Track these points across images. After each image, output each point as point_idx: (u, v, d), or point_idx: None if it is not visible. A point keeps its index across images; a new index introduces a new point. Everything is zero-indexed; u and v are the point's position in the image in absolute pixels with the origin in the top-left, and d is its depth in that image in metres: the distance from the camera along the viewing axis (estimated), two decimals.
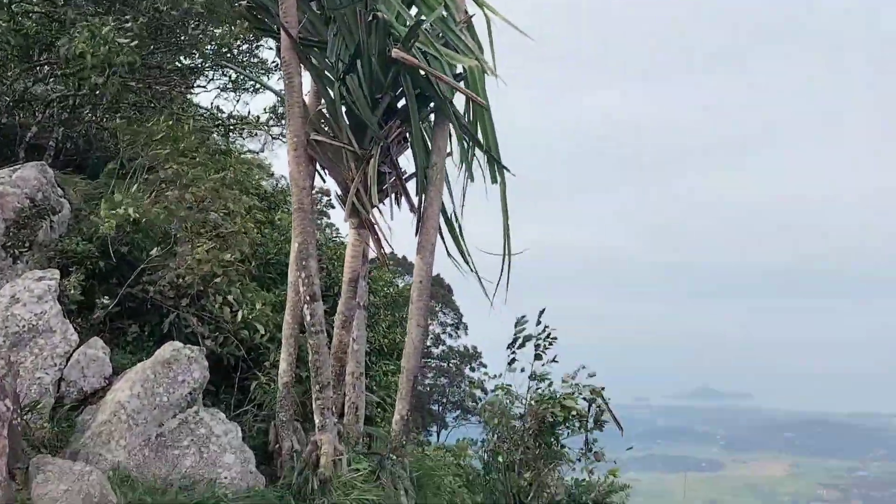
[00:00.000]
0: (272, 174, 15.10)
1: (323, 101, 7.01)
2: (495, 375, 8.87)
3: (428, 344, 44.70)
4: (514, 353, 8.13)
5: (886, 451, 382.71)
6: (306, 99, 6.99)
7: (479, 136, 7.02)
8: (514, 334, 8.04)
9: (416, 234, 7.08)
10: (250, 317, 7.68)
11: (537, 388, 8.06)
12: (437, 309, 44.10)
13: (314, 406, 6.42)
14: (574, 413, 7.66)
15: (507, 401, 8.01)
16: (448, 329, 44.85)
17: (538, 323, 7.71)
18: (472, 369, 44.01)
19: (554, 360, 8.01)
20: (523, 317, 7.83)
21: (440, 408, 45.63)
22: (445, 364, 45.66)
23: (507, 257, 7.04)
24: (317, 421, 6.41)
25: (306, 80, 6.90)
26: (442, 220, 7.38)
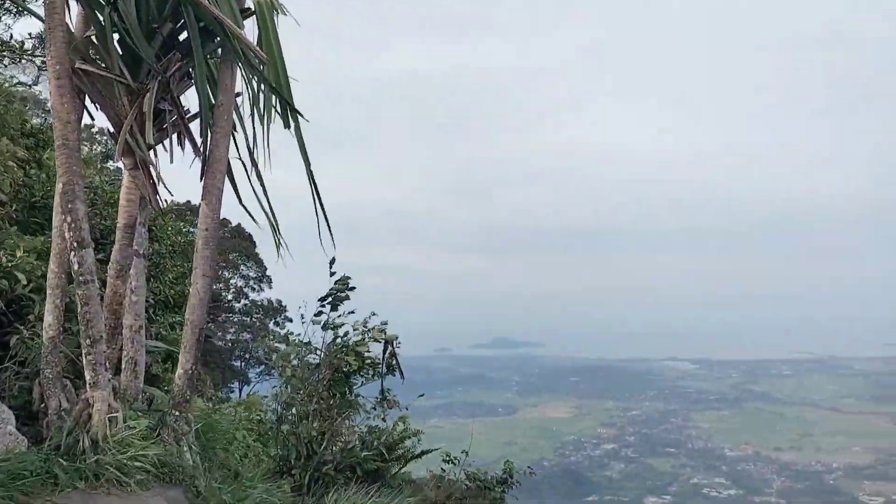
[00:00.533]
0: (48, 109, 13.64)
1: (92, 27, 6.31)
2: (298, 334, 8.74)
3: (229, 298, 42.99)
4: (323, 307, 8.02)
5: (656, 392, 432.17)
6: (74, 23, 6.26)
7: (271, 77, 6.69)
8: (330, 290, 7.91)
9: (201, 179, 6.66)
10: (10, 265, 7.00)
11: (333, 339, 8.00)
12: (238, 262, 42.40)
13: (85, 362, 5.89)
14: (368, 361, 7.72)
15: (302, 352, 7.89)
16: (251, 283, 43.37)
17: (331, 273, 7.61)
18: (277, 324, 43.11)
19: (351, 312, 7.99)
20: (347, 277, 7.72)
21: (243, 364, 44.35)
22: (248, 319, 44.28)
23: (318, 206, 6.85)
24: (88, 377, 5.90)
25: (74, 3, 6.18)
26: (243, 168, 7.02)
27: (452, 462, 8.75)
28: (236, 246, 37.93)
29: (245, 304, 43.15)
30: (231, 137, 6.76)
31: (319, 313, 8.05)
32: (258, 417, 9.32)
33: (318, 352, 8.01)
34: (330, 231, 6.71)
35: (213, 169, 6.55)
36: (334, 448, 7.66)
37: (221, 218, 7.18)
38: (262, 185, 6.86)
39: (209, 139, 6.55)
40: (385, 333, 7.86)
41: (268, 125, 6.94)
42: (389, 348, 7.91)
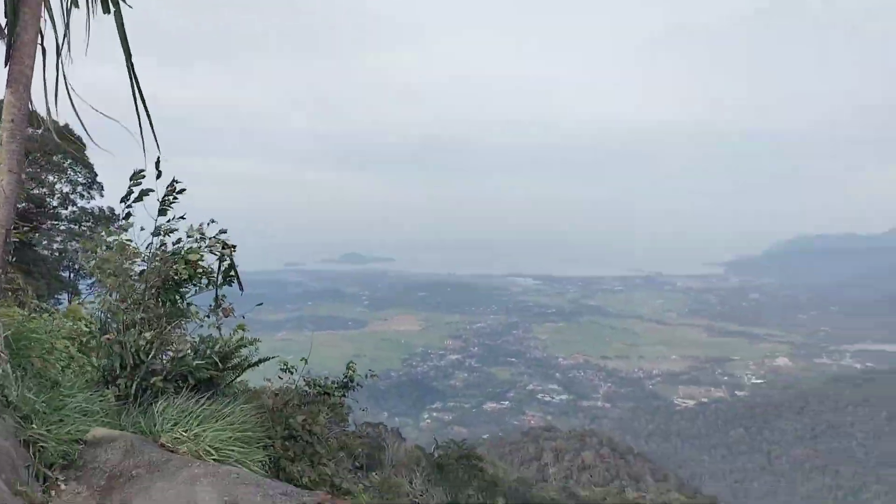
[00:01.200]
0: None
1: None
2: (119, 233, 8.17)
3: (54, 204, 39.62)
4: (129, 207, 7.49)
5: (499, 306, 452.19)
6: None
7: None
8: (129, 188, 7.39)
9: (5, 64, 5.96)
10: None
11: (161, 245, 7.60)
12: (65, 165, 38.97)
13: None
14: (201, 270, 7.42)
15: (123, 258, 7.44)
16: (79, 189, 40.12)
17: (158, 176, 7.14)
18: (110, 234, 40.26)
19: (181, 217, 7.58)
20: (141, 171, 7.19)
21: (72, 275, 41.44)
22: (77, 227, 41.16)
23: (139, 103, 6.32)
24: None
25: None
26: (55, 60, 6.32)
27: (291, 371, 8.75)
28: (61, 147, 34.76)
29: (73, 212, 40.05)
30: (40, 19, 6.07)
31: (128, 215, 7.58)
32: (87, 329, 8.81)
33: (145, 258, 7.59)
34: (154, 133, 6.27)
35: (21, 53, 5.88)
36: (163, 357, 7.42)
37: (33, 111, 6.51)
38: (64, 78, 6.24)
39: (15, 21, 5.83)
40: (225, 245, 7.56)
41: (89, 9, 6.30)
42: (227, 258, 7.63)
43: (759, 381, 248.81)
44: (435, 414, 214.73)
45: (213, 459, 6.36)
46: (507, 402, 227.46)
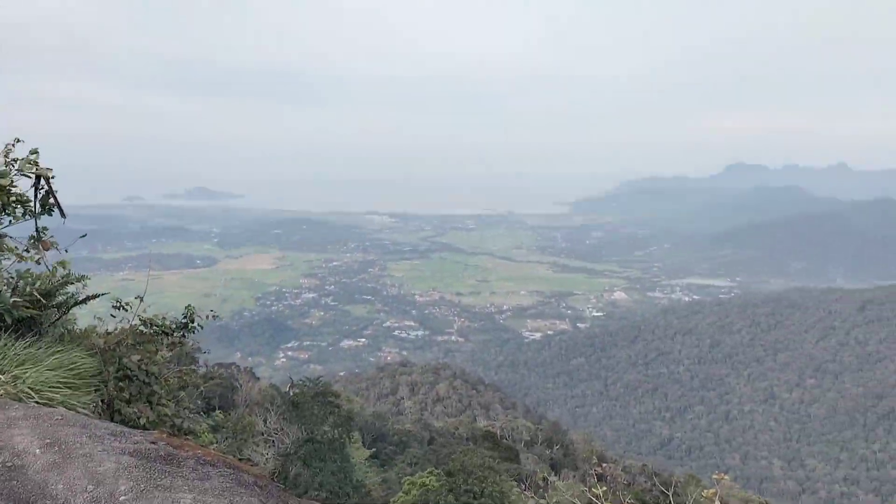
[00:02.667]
0: None
1: None
2: None
3: None
4: None
5: (356, 244, 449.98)
6: None
7: None
8: None
9: None
10: None
11: None
12: None
13: None
14: (14, 198, 6.66)
15: None
16: None
17: None
18: None
19: None
20: None
21: None
22: None
23: None
24: None
25: None
26: None
27: (124, 308, 8.19)
28: None
29: None
30: None
31: None
32: None
33: None
34: None
35: None
36: None
37: None
38: None
39: None
40: (38, 166, 6.78)
41: None
42: (44, 184, 6.87)
43: (598, 313, 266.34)
44: (290, 353, 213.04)
45: (35, 402, 5.89)
46: (363, 340, 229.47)
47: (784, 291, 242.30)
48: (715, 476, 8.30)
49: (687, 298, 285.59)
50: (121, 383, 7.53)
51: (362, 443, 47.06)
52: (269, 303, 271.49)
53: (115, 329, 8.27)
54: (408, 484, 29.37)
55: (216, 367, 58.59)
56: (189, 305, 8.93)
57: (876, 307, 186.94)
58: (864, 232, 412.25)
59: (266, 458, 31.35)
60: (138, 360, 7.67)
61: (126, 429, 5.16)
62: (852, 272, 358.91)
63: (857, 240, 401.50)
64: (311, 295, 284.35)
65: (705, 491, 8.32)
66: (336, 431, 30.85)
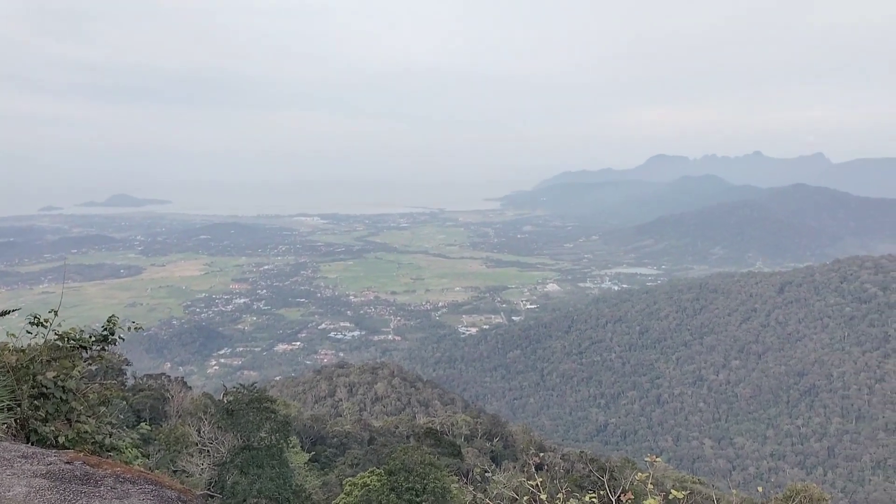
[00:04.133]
0: None
1: None
2: None
3: None
4: None
5: (287, 246, 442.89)
6: None
7: None
8: None
9: None
10: None
11: None
12: None
13: None
14: None
15: None
16: None
17: None
18: None
19: None
20: None
21: None
22: None
23: None
24: None
25: None
26: None
27: (42, 324, 7.75)
28: None
29: None
30: None
31: None
32: None
33: None
34: None
35: None
36: None
37: None
38: None
39: None
40: None
41: None
42: None
43: (532, 306, 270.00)
44: (223, 360, 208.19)
45: None
46: (298, 343, 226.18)
47: (707, 277, 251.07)
48: (648, 458, 8.46)
49: (616, 287, 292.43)
50: (36, 401, 7.13)
51: (301, 447, 46.36)
52: (198, 310, 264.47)
53: (29, 345, 7.84)
54: (349, 485, 29.08)
55: (145, 379, 56.70)
56: (112, 317, 8.56)
57: (794, 288, 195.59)
58: (780, 218, 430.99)
59: (202, 469, 30.50)
60: (54, 377, 7.27)
61: (39, 450, 4.87)
62: (770, 256, 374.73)
63: (774, 225, 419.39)
64: (242, 300, 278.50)
65: (639, 474, 8.48)
66: (273, 437, 30.28)
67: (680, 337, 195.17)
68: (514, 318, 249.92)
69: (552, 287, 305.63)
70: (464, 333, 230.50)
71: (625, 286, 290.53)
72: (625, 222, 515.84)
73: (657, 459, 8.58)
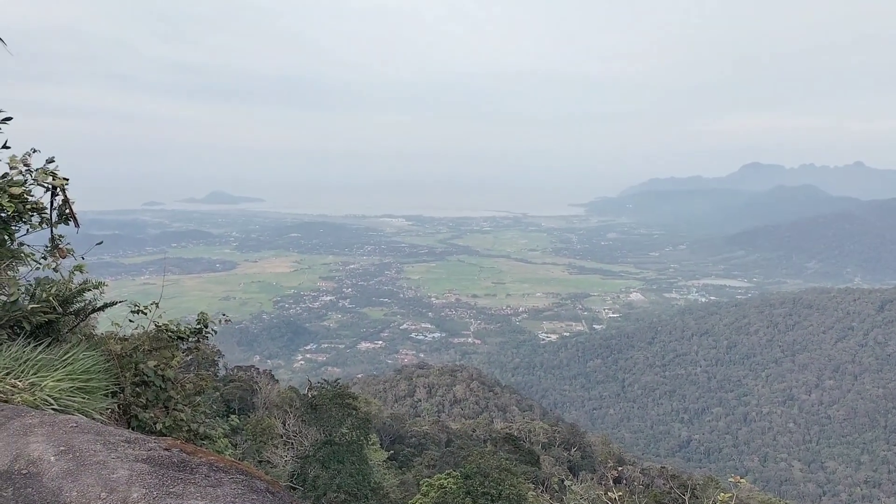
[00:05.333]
0: None
1: None
2: None
3: None
4: None
5: (373, 247, 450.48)
6: None
7: None
8: None
9: None
10: None
11: None
12: None
13: None
14: (30, 206, 6.67)
15: None
16: None
17: None
18: None
19: (5, 146, 6.73)
20: None
21: None
22: None
23: None
24: None
25: None
26: None
27: (143, 313, 8.19)
28: None
29: None
30: None
31: None
32: None
33: None
34: None
35: None
36: None
37: None
38: None
39: None
40: (54, 176, 6.79)
41: None
42: (60, 193, 6.88)
43: (615, 315, 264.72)
44: (309, 355, 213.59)
45: (53, 409, 5.88)
46: (380, 342, 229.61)
47: (801, 292, 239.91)
48: (732, 479, 8.18)
49: (703, 299, 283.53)
50: (137, 389, 7.53)
51: (380, 445, 47.10)
52: (287, 306, 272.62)
53: (133, 334, 8.29)
54: (426, 486, 29.28)
55: (235, 370, 58.85)
56: (202, 313, 8.96)
57: (895, 307, 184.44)
58: (881, 232, 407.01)
59: (285, 461, 31.42)
60: (155, 366, 7.67)
61: (140, 435, 5.13)
62: (870, 272, 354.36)
63: (875, 240, 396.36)
64: (328, 298, 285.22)
65: (722, 494, 8.21)
66: (354, 433, 30.87)
67: (770, 353, 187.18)
68: (595, 326, 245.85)
69: (636, 296, 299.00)
70: (544, 340, 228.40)
71: (712, 298, 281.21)
72: (714, 232, 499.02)
73: (742, 480, 8.28)
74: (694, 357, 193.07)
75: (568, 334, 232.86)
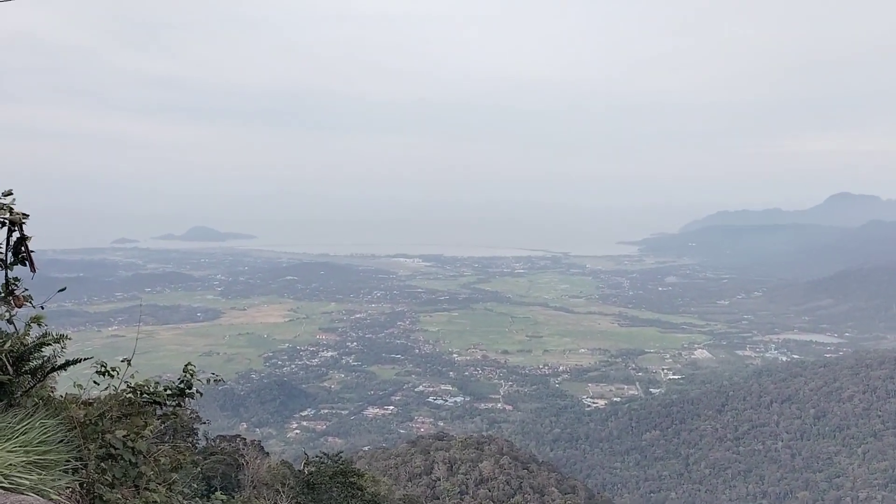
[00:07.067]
0: None
1: None
2: None
3: None
4: None
5: (383, 292, 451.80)
6: None
7: None
8: None
9: None
10: None
11: None
12: None
13: None
14: None
15: None
16: None
17: None
18: None
19: None
20: None
21: None
22: None
23: None
24: None
25: None
26: None
27: (110, 373, 8.21)
28: None
29: None
30: None
31: None
32: None
33: None
34: None
35: None
36: None
37: None
38: None
39: None
40: (11, 211, 6.89)
41: None
42: (17, 230, 6.96)
43: (675, 376, 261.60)
44: (305, 423, 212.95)
45: (2, 488, 5.89)
46: (392, 407, 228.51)
47: None
48: None
49: (784, 358, 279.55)
50: (103, 463, 7.53)
51: None
52: (280, 363, 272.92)
53: (99, 397, 8.30)
54: None
55: (218, 441, 58.71)
56: (188, 365, 8.96)
57: None
58: None
59: None
60: (124, 436, 7.67)
61: None
62: None
63: None
64: (330, 353, 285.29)
65: None
66: None
67: (868, 425, 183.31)
68: (652, 390, 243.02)
69: (701, 354, 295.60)
70: (589, 406, 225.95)
71: (795, 357, 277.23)
72: (797, 276, 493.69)
73: None
74: (774, 429, 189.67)
75: (619, 399, 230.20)
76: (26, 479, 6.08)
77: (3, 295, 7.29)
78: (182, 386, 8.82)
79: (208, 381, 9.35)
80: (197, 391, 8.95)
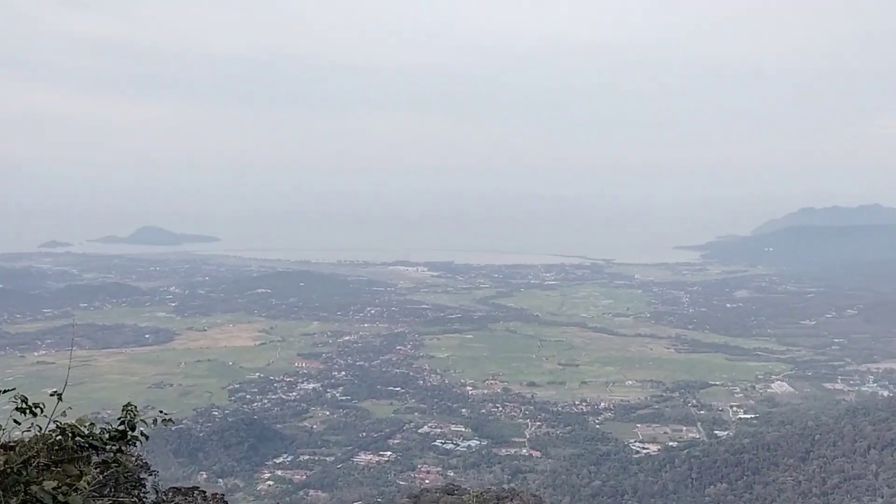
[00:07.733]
0: None
1: None
2: None
3: None
4: None
5: (378, 309, 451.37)
6: None
7: None
8: None
9: None
10: None
11: None
12: None
13: None
14: None
15: None
16: None
17: None
18: None
19: None
20: None
21: None
22: None
23: None
24: None
25: None
26: None
27: (32, 411, 8.19)
28: None
29: None
30: None
31: None
32: None
33: None
34: None
35: None
36: None
37: None
38: None
39: None
40: None
41: None
42: None
43: (747, 415, 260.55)
44: (280, 472, 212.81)
45: None
46: (389, 452, 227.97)
47: None
48: None
49: (886, 393, 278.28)
50: None
51: None
52: (249, 397, 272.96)
53: (22, 440, 8.29)
54: None
55: (171, 494, 58.66)
56: (128, 405, 8.94)
57: None
58: None
59: None
60: (54, 489, 7.66)
61: None
62: None
63: None
64: (311, 385, 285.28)
65: None
66: None
67: None
68: (718, 432, 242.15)
69: (780, 387, 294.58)
70: (638, 452, 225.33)
71: None
72: None
73: None
74: (872, 481, 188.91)
75: (675, 444, 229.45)
76: None
77: None
78: (123, 427, 8.80)
79: (156, 421, 9.33)
80: (142, 433, 8.93)
